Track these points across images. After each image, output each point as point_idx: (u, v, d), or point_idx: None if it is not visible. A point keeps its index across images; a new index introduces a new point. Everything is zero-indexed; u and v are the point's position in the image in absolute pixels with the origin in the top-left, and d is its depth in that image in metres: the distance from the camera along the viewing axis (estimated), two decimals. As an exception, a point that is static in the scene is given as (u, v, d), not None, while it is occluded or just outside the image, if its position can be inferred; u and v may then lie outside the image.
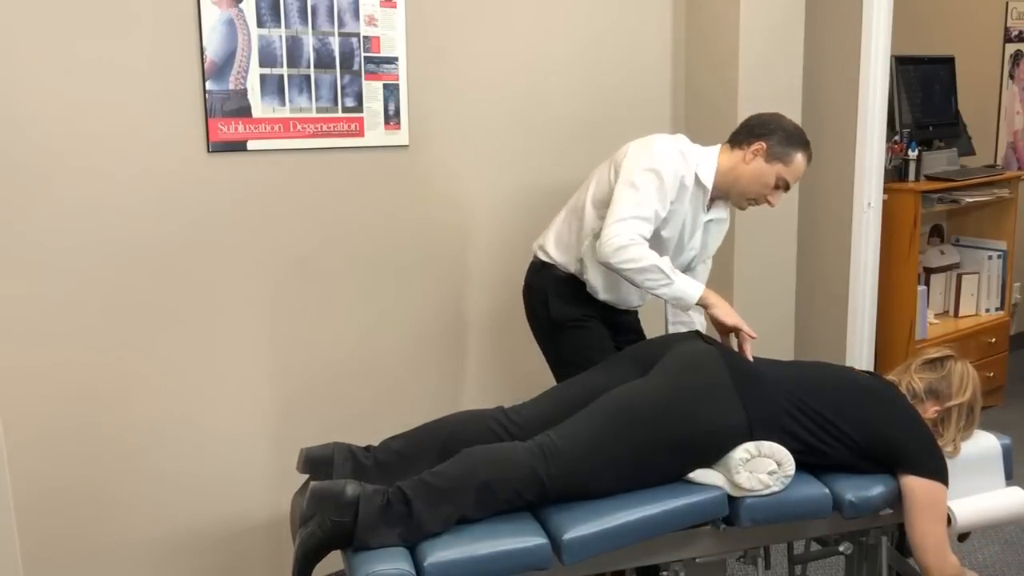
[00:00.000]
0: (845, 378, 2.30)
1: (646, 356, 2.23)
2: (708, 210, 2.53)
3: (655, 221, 2.38)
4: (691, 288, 2.33)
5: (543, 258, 2.62)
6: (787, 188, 2.47)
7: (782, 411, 2.12)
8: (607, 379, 2.19)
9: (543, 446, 1.99)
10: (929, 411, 2.28)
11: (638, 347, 2.36)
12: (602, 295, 2.57)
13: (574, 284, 2.57)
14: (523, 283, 2.68)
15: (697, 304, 2.35)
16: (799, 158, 2.42)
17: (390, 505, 1.89)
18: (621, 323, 2.66)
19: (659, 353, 2.20)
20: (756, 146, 2.41)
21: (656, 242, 2.43)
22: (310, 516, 1.90)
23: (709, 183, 2.46)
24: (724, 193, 2.50)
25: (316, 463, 2.08)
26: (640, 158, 2.42)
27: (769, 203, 2.47)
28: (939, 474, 2.16)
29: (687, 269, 2.61)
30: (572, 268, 2.57)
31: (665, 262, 2.32)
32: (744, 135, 2.46)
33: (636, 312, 2.73)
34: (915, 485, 2.14)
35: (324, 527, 1.87)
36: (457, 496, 1.92)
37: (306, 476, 2.12)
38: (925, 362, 2.35)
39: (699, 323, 2.65)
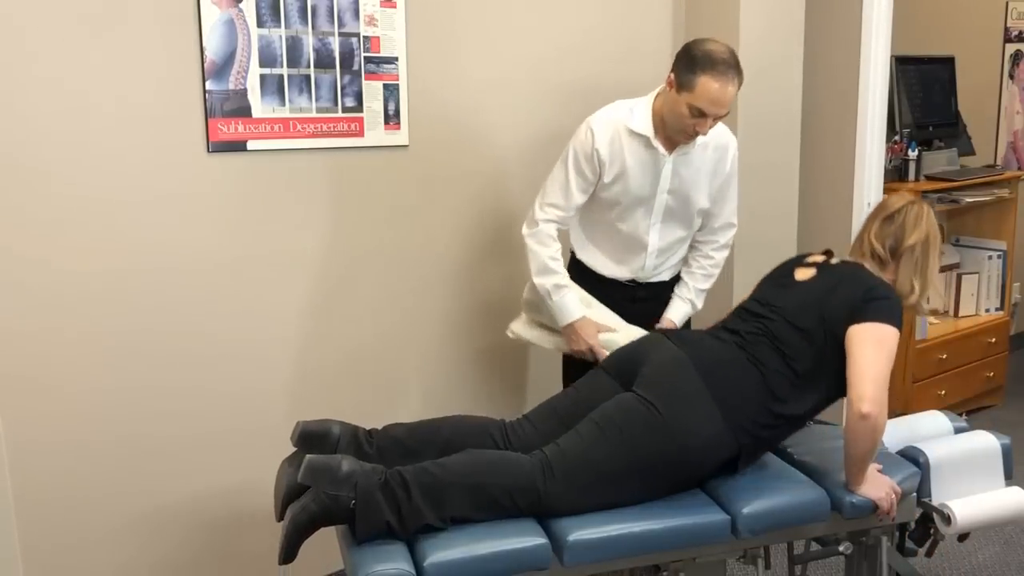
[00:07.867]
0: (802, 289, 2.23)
1: (627, 366, 2.22)
2: (671, 153, 2.48)
3: (566, 202, 2.52)
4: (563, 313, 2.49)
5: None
6: (708, 116, 2.31)
7: (752, 373, 2.12)
8: (595, 391, 2.20)
9: (543, 462, 2.02)
10: (892, 270, 2.19)
11: (619, 356, 2.31)
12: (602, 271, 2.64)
13: (579, 267, 2.67)
14: None
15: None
16: (703, 82, 2.25)
17: (388, 486, 1.89)
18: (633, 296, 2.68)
19: (638, 363, 2.19)
20: (669, 77, 2.36)
21: (608, 204, 2.53)
22: (302, 489, 1.89)
23: (642, 129, 2.44)
24: (665, 132, 2.45)
25: (311, 437, 2.08)
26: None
27: (698, 132, 2.35)
28: (887, 318, 2.03)
29: (704, 229, 2.66)
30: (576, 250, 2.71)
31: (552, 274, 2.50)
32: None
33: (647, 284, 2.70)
34: (857, 328, 2.02)
35: (318, 501, 1.86)
36: (455, 491, 1.93)
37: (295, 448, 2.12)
38: (883, 220, 2.23)
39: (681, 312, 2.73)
